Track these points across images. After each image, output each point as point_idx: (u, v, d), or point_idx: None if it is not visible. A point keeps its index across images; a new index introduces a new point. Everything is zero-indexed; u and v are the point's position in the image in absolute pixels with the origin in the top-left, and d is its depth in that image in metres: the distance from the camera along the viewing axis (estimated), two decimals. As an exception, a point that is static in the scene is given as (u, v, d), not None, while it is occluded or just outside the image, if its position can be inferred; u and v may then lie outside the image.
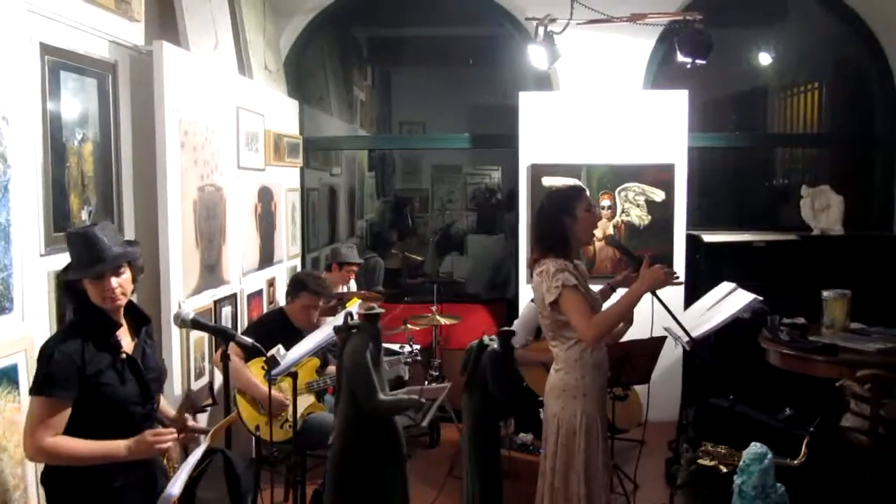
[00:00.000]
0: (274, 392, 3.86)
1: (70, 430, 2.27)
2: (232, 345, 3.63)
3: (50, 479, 2.36)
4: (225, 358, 2.45)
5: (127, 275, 2.37)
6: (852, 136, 6.46)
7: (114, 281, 2.31)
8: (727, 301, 3.64)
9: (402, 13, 7.45)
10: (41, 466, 2.76)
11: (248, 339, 2.79)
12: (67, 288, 2.39)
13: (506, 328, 3.61)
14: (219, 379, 4.03)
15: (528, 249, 5.67)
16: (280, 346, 2.96)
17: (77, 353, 2.26)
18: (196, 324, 2.60)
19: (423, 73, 10.23)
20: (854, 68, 6.28)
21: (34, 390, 2.27)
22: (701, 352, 3.20)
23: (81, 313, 2.37)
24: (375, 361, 3.17)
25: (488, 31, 7.36)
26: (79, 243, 2.34)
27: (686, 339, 3.14)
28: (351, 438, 3.17)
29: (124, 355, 2.36)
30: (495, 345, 3.57)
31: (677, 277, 2.94)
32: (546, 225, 3.02)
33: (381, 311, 3.20)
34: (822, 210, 5.54)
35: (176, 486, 2.22)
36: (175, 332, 3.61)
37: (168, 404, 2.77)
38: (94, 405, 2.28)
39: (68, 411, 2.26)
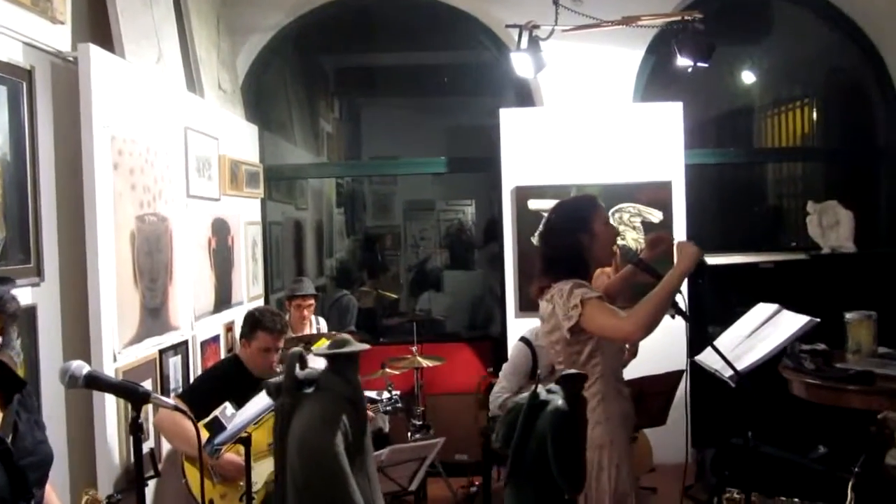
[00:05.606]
0: (232, 455, 3.27)
1: None
2: (181, 403, 3.06)
3: None
4: (135, 429, 1.82)
5: None
6: (853, 148, 6.13)
7: None
8: (772, 326, 3.14)
9: (372, 36, 7.02)
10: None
11: (169, 401, 2.19)
12: None
13: (572, 371, 2.19)
14: (165, 446, 3.42)
15: (515, 281, 5.17)
16: (227, 405, 2.36)
17: None
18: (93, 382, 1.89)
19: (396, 105, 9.81)
20: (850, 78, 5.97)
21: None
22: (746, 386, 2.69)
23: None
24: (356, 451, 1.90)
25: (465, 57, 6.96)
26: None
27: (730, 373, 2.64)
28: None
29: None
30: (558, 400, 2.09)
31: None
32: (558, 246, 2.53)
33: (363, 347, 2.21)
34: (831, 227, 5.14)
35: None
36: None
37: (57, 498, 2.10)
38: None
39: None
